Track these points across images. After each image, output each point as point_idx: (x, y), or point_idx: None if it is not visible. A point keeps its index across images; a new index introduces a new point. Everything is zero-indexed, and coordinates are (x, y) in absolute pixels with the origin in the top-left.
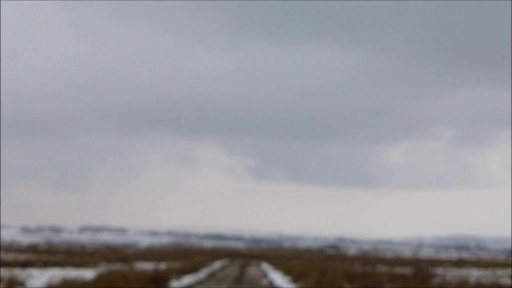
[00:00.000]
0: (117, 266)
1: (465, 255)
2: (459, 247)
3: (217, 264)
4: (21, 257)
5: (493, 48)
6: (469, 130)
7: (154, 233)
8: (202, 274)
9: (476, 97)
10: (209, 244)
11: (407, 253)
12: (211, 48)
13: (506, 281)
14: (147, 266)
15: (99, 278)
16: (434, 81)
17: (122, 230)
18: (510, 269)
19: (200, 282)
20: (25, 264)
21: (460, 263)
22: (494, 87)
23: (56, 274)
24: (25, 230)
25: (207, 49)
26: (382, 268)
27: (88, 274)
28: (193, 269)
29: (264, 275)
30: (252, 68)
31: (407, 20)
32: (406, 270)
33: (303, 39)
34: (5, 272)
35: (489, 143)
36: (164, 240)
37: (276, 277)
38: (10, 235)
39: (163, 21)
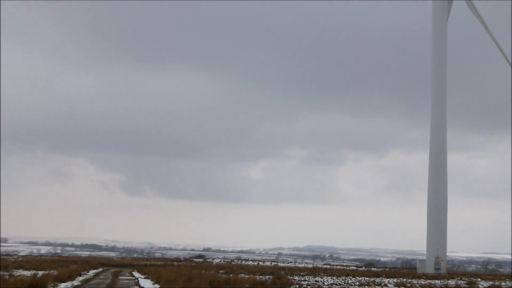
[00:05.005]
0: None
1: (319, 264)
2: (315, 257)
3: (91, 272)
4: None
5: (340, 77)
6: (319, 151)
7: (33, 243)
8: (77, 281)
9: (325, 121)
10: (84, 254)
11: (267, 263)
12: (80, 71)
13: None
14: (25, 273)
15: None
16: (287, 106)
17: (2, 240)
18: (358, 277)
19: None
20: None
21: (315, 271)
22: (341, 112)
23: None
24: None
25: (76, 72)
26: (244, 276)
27: None
28: (69, 277)
29: (135, 282)
30: (119, 90)
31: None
32: (266, 278)
33: (165, 64)
34: None
35: (338, 163)
36: (42, 250)
37: (146, 283)
38: None
39: (35, 46)
